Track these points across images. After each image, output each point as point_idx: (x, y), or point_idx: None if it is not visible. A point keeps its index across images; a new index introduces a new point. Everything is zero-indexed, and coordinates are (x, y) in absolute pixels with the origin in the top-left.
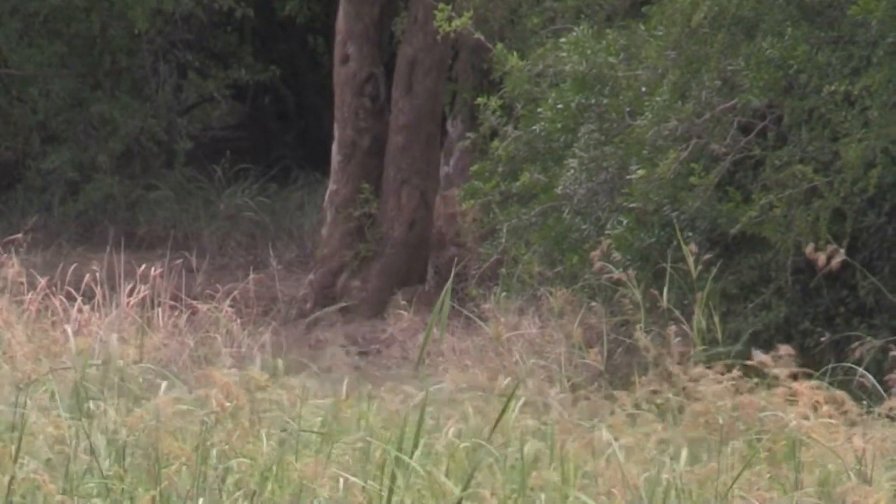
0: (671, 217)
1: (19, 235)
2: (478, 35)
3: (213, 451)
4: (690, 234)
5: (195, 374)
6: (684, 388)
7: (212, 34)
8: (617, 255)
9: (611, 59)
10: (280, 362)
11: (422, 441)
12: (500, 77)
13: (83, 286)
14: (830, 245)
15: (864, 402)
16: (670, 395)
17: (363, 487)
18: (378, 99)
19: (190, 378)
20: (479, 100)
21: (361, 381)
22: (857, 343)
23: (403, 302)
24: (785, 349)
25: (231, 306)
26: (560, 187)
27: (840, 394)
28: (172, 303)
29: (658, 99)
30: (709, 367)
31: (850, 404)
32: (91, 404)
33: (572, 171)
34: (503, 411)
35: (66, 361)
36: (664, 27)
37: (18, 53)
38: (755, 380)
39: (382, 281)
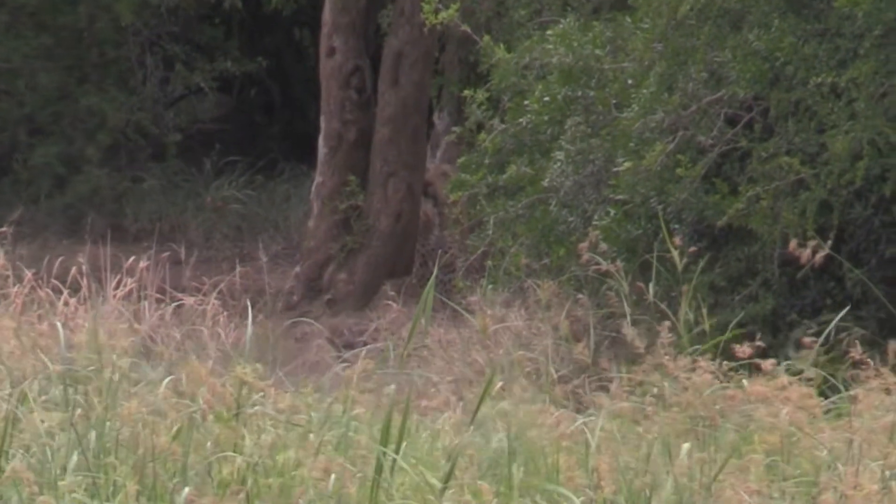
0: (658, 209)
1: (5, 228)
2: (464, 27)
3: (199, 445)
4: (677, 226)
5: (181, 369)
6: (676, 378)
7: (198, 27)
8: (604, 247)
9: (597, 52)
10: (266, 356)
11: (406, 433)
12: (487, 69)
13: (69, 279)
14: (814, 239)
15: (852, 393)
16: (656, 387)
17: (351, 479)
18: (364, 91)
19: (176, 372)
20: (466, 92)
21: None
22: (844, 334)
23: (391, 294)
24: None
25: (217, 299)
26: (547, 180)
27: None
28: (159, 295)
29: (644, 91)
30: (694, 360)
31: (837, 395)
32: (78, 397)
33: (559, 164)
34: (480, 402)
35: (54, 355)
36: (651, 19)
37: (5, 46)
38: (742, 372)
39: (369, 273)
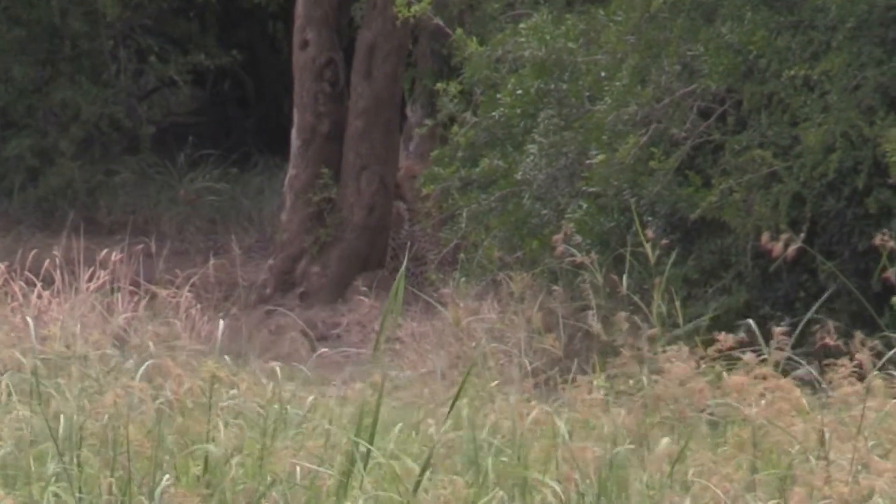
0: (631, 202)
1: None
2: (437, 20)
3: (170, 438)
4: (650, 218)
5: (153, 362)
6: (651, 371)
7: (172, 19)
8: (578, 239)
9: (570, 45)
10: (240, 349)
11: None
12: (460, 62)
13: (43, 271)
14: (787, 232)
15: (824, 386)
16: (631, 379)
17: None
18: (337, 84)
19: (149, 365)
20: (439, 85)
21: (320, 366)
22: (817, 327)
23: (363, 287)
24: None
25: (191, 292)
26: (520, 173)
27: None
28: (132, 288)
29: (617, 84)
30: (664, 352)
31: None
32: (51, 391)
33: (532, 157)
34: (457, 395)
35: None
36: (623, 12)
37: None
38: (716, 364)
39: (342, 266)
